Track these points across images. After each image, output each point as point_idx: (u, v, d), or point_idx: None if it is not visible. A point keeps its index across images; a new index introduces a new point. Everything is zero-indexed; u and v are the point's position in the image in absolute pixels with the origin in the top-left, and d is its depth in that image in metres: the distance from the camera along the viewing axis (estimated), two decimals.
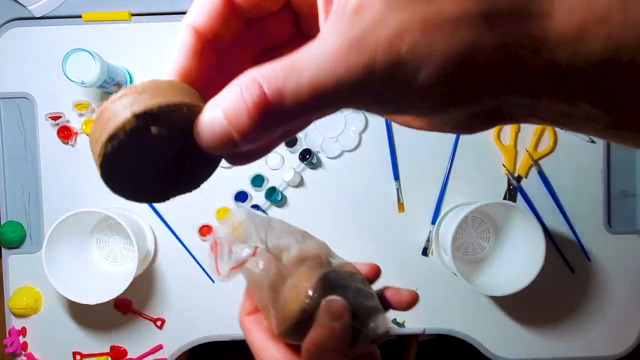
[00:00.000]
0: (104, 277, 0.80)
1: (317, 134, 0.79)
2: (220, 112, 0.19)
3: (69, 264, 0.76)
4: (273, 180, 0.80)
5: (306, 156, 0.79)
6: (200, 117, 0.20)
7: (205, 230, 0.80)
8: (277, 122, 0.18)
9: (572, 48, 0.16)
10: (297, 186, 0.81)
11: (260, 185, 0.80)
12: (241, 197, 0.80)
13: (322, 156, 0.80)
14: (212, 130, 0.19)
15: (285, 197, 0.81)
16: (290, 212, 0.81)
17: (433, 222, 0.80)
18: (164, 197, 0.23)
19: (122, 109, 0.19)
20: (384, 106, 0.19)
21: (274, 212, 0.81)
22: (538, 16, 0.16)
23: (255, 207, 0.80)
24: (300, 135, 0.79)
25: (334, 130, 0.79)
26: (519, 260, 0.75)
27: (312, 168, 0.80)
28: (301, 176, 0.80)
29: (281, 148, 0.80)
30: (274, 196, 0.79)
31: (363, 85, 0.17)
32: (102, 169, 0.21)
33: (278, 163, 0.80)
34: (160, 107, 0.19)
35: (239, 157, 0.24)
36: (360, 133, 0.80)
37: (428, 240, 0.81)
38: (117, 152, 0.20)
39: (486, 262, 0.80)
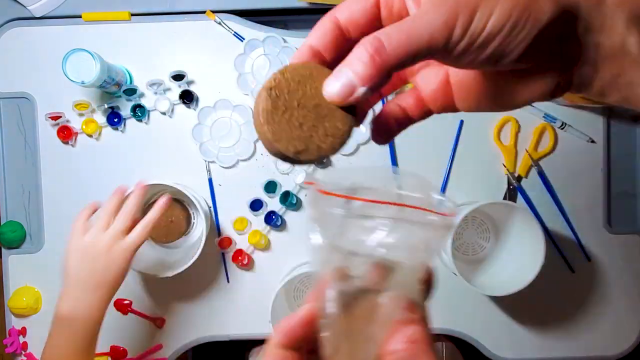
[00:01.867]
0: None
1: None
2: (345, 67, 0.26)
3: None
4: (286, 184, 0.80)
5: None
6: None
7: (225, 242, 0.80)
8: (390, 66, 0.25)
9: None
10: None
11: (274, 191, 0.79)
12: (256, 205, 0.80)
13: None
14: (335, 79, 0.26)
15: (300, 200, 0.81)
16: (306, 214, 0.81)
17: None
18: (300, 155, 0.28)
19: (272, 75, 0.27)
20: (465, 55, 0.25)
21: (290, 216, 0.81)
22: None
23: (272, 213, 0.80)
24: None
25: None
26: (519, 260, 0.75)
27: (322, 168, 0.80)
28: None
29: None
30: (289, 200, 0.79)
31: (449, 34, 0.24)
32: (266, 113, 0.27)
33: (288, 167, 0.80)
34: (293, 66, 0.28)
35: (378, 130, 0.34)
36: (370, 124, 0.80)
37: None
38: (273, 100, 0.27)
39: (486, 262, 0.80)
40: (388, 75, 0.25)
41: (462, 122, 0.80)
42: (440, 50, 0.25)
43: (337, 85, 0.26)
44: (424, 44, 0.24)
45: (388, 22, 0.28)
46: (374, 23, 0.29)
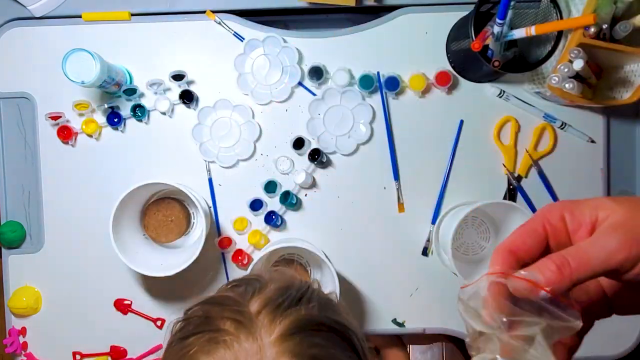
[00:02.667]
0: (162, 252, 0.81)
1: (328, 135, 0.79)
2: (534, 270, 0.31)
3: (133, 241, 0.76)
4: (286, 184, 0.80)
5: (315, 156, 0.79)
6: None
7: (225, 242, 0.80)
8: (572, 279, 0.31)
9: None
10: (309, 187, 0.81)
11: (274, 191, 0.79)
12: (256, 205, 0.80)
13: (331, 154, 0.81)
14: (520, 281, 0.31)
15: (300, 200, 0.81)
16: (306, 214, 0.81)
17: (433, 222, 0.80)
18: None
19: None
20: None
21: (290, 215, 0.81)
22: None
23: (272, 213, 0.80)
24: (310, 138, 0.79)
25: (345, 127, 0.79)
26: None
27: (322, 167, 0.80)
28: (313, 177, 0.80)
29: (289, 151, 0.80)
30: (289, 200, 0.79)
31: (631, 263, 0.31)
32: None
33: (288, 167, 0.80)
34: None
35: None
36: (371, 124, 0.80)
37: (428, 240, 0.80)
38: None
39: (486, 262, 0.80)
40: (569, 287, 0.31)
41: (462, 122, 0.80)
42: (614, 271, 0.31)
43: (522, 283, 0.32)
44: (600, 265, 0.31)
45: (556, 250, 0.34)
46: (543, 252, 0.34)
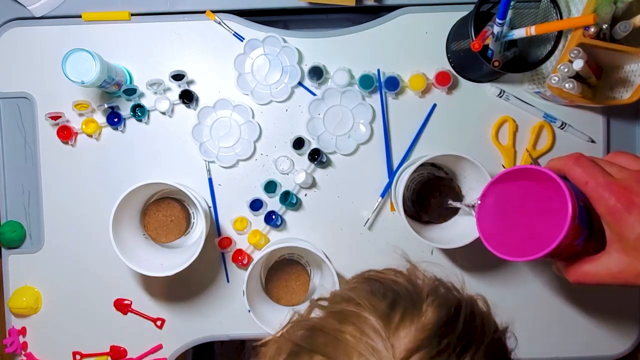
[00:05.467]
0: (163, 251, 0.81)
1: (328, 134, 0.79)
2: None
3: (133, 241, 0.76)
4: (286, 184, 0.80)
5: (315, 156, 0.79)
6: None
7: (225, 242, 0.80)
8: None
9: None
10: (309, 187, 0.81)
11: (274, 191, 0.79)
12: (256, 205, 0.80)
13: (331, 154, 0.81)
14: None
15: (300, 200, 0.81)
16: (306, 214, 0.81)
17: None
18: None
19: None
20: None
21: (290, 215, 0.81)
22: None
23: (272, 213, 0.80)
24: (310, 138, 0.79)
25: (345, 127, 0.79)
26: (472, 217, 0.74)
27: (322, 167, 0.80)
28: (313, 177, 0.80)
29: (289, 151, 0.80)
30: (289, 200, 0.79)
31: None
32: None
33: (288, 167, 0.80)
34: None
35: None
36: (371, 124, 0.80)
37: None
38: None
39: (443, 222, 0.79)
40: None
41: (432, 109, 0.80)
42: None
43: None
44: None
45: None
46: None
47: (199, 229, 0.81)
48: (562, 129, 0.79)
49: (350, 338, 0.34)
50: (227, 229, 0.81)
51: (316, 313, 0.40)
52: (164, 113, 0.80)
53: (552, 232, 0.46)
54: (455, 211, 0.78)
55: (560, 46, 0.70)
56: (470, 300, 0.38)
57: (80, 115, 0.80)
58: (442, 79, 0.77)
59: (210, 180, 0.81)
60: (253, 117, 0.80)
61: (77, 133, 0.80)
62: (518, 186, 0.53)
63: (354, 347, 0.33)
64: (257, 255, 0.76)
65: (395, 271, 0.42)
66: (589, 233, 0.47)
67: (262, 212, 0.80)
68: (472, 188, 0.76)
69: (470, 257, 0.81)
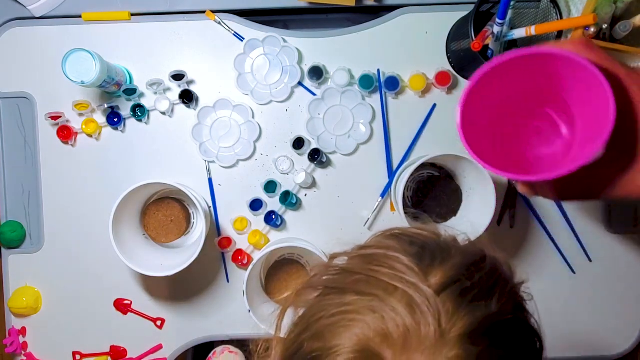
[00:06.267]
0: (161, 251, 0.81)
1: (328, 134, 0.79)
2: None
3: (133, 241, 0.76)
4: (285, 184, 0.80)
5: (315, 156, 0.79)
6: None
7: (225, 242, 0.80)
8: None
9: None
10: (309, 187, 0.81)
11: (274, 191, 0.79)
12: (256, 205, 0.80)
13: (331, 154, 0.80)
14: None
15: (300, 200, 0.81)
16: (306, 214, 0.81)
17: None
18: None
19: None
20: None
21: (290, 216, 0.81)
22: None
23: (271, 213, 0.80)
24: (310, 138, 0.79)
25: (345, 127, 0.79)
26: (472, 213, 0.74)
27: (322, 167, 0.80)
28: (313, 177, 0.80)
29: (289, 151, 0.80)
30: (289, 200, 0.79)
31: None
32: None
33: (288, 167, 0.80)
34: None
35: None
36: (371, 124, 0.80)
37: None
38: None
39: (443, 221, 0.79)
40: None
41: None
42: None
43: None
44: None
45: None
46: None
47: (199, 229, 0.81)
48: None
49: (383, 276, 0.34)
50: (227, 229, 0.81)
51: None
52: (164, 113, 0.80)
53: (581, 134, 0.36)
54: (455, 211, 0.78)
55: None
56: (494, 258, 0.39)
57: (80, 115, 0.80)
58: (442, 79, 0.77)
59: (210, 180, 0.81)
60: (253, 117, 0.80)
61: (77, 133, 0.80)
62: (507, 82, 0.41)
63: (389, 282, 0.34)
64: (257, 255, 0.76)
65: (417, 226, 0.42)
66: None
67: (262, 212, 0.80)
68: (472, 188, 0.76)
69: None
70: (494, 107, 0.42)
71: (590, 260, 0.82)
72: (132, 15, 0.80)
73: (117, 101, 0.79)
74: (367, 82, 0.78)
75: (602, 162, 0.35)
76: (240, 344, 0.88)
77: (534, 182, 0.39)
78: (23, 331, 0.82)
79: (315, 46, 0.79)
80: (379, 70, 0.79)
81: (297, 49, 0.78)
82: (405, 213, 0.71)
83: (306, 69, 0.79)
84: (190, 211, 0.81)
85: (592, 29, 0.67)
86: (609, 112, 0.32)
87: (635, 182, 0.35)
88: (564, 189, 0.40)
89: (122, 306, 0.82)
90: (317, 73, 0.78)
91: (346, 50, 0.79)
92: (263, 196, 0.80)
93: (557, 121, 0.40)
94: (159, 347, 0.82)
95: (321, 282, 0.39)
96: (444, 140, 0.80)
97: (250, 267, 0.71)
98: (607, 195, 0.38)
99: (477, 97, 0.41)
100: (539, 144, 0.41)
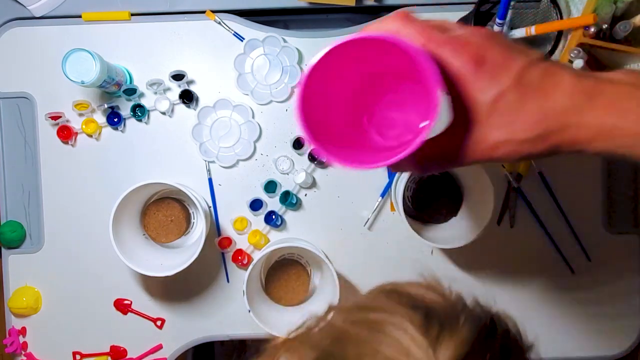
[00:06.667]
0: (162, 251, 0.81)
1: None
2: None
3: (133, 241, 0.76)
4: (285, 184, 0.80)
5: (315, 156, 0.79)
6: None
7: (225, 242, 0.80)
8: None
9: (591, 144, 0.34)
10: (309, 187, 0.81)
11: (274, 191, 0.79)
12: (256, 205, 0.80)
13: None
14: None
15: (300, 200, 0.81)
16: (306, 214, 0.81)
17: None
18: None
19: None
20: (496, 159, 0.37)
21: (290, 216, 0.81)
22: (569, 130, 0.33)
23: (271, 213, 0.80)
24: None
25: None
26: (472, 213, 0.74)
27: (322, 167, 0.80)
28: (313, 177, 0.80)
29: (289, 151, 0.80)
30: (289, 200, 0.79)
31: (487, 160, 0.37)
32: None
33: (288, 167, 0.80)
34: None
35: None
36: None
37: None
38: None
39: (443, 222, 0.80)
40: None
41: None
42: None
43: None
44: None
45: None
46: None
47: (199, 229, 0.81)
48: None
49: (387, 347, 0.32)
50: (227, 229, 0.81)
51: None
52: (164, 113, 0.80)
53: (415, 111, 0.37)
54: (455, 211, 0.78)
55: (560, 46, 0.70)
56: (499, 315, 0.37)
57: (80, 115, 0.80)
58: None
59: (210, 180, 0.81)
60: (253, 117, 0.80)
61: (77, 133, 0.80)
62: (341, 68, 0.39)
63: (395, 358, 0.31)
64: (257, 255, 0.76)
65: (419, 284, 0.39)
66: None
67: (262, 212, 0.80)
68: (472, 188, 0.76)
69: (470, 257, 0.81)
70: (351, 87, 0.40)
71: (589, 260, 0.82)
72: (132, 15, 0.80)
73: (117, 101, 0.79)
74: None
75: (446, 132, 0.35)
76: (240, 343, 0.88)
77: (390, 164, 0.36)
78: (23, 331, 0.82)
79: (315, 46, 0.79)
80: None
81: (297, 49, 0.78)
82: (405, 213, 0.71)
83: None
84: (190, 211, 0.81)
85: (592, 29, 0.67)
86: (434, 92, 0.32)
87: (479, 145, 0.35)
88: (422, 162, 0.39)
89: (122, 306, 0.82)
90: None
91: None
92: (263, 196, 0.80)
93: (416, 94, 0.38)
94: (159, 347, 0.82)
95: (317, 344, 0.36)
96: None
97: (250, 267, 0.71)
98: (464, 162, 0.37)
99: (324, 79, 0.38)
100: (404, 121, 0.39)
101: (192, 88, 0.80)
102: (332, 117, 0.39)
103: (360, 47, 0.35)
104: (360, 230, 0.81)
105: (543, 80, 0.34)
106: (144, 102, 0.80)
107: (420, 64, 0.32)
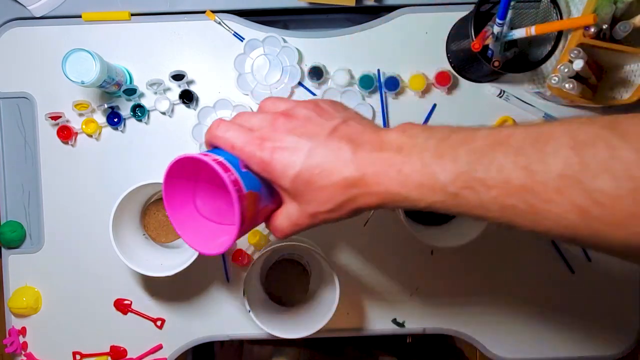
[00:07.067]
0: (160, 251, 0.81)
1: None
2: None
3: (133, 241, 0.76)
4: None
5: None
6: None
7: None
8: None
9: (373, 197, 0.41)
10: None
11: None
12: None
13: None
14: None
15: None
16: None
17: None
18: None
19: None
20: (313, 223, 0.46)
21: None
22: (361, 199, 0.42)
23: None
24: None
25: None
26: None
27: None
28: None
29: None
30: None
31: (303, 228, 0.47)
32: None
33: None
34: None
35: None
36: None
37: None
38: None
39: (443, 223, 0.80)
40: None
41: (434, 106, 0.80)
42: None
43: None
44: None
45: None
46: None
47: None
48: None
49: None
50: None
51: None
52: (164, 113, 0.80)
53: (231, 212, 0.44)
54: None
55: (560, 46, 0.70)
56: None
57: (80, 115, 0.80)
58: (442, 79, 0.77)
59: None
60: None
61: (77, 133, 0.80)
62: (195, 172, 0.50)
63: None
64: (257, 255, 0.76)
65: None
66: (270, 188, 0.45)
67: None
68: None
69: (470, 257, 0.81)
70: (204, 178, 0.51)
71: (589, 260, 0.82)
72: (132, 15, 0.80)
73: (117, 101, 0.79)
74: (367, 82, 0.78)
75: (277, 213, 0.47)
76: (239, 344, 0.88)
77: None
78: (23, 331, 0.82)
79: (315, 46, 0.80)
80: (379, 70, 0.79)
81: (297, 49, 0.78)
82: (405, 213, 0.71)
83: (306, 69, 0.79)
84: None
85: (592, 29, 0.67)
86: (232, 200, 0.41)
87: (300, 219, 0.45)
88: (271, 229, 0.49)
89: (122, 306, 0.82)
90: (317, 73, 0.78)
91: (346, 50, 0.79)
92: None
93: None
94: (159, 347, 0.82)
95: None
96: None
97: (250, 267, 0.71)
98: (288, 233, 0.47)
99: (181, 180, 0.51)
100: None
101: (192, 88, 0.80)
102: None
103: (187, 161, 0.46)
104: (360, 230, 0.81)
105: (326, 160, 0.41)
106: (144, 102, 0.80)
107: (221, 179, 0.41)
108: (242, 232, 0.45)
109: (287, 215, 0.46)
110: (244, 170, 0.44)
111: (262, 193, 0.45)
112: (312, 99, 0.49)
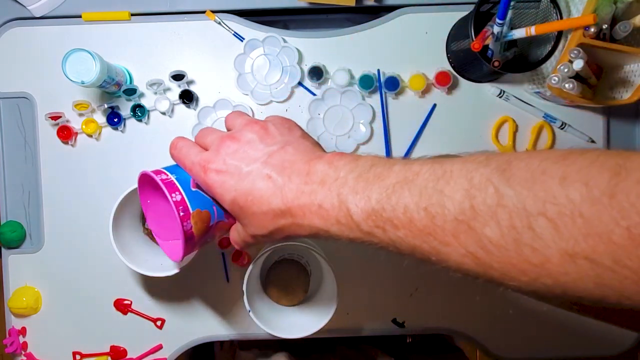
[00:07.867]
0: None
1: (328, 134, 0.79)
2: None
3: (133, 241, 0.76)
4: None
5: None
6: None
7: (225, 242, 0.80)
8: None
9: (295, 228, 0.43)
10: None
11: None
12: None
13: None
14: None
15: None
16: None
17: None
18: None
19: None
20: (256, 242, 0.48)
21: None
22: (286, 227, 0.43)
23: None
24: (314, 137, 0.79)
25: (345, 127, 0.79)
26: None
27: None
28: None
29: None
30: None
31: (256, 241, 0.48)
32: None
33: None
34: None
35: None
36: (371, 124, 0.80)
37: None
38: None
39: None
40: None
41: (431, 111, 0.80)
42: None
43: None
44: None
45: None
46: None
47: None
48: (562, 129, 0.79)
49: None
50: None
51: None
52: (164, 113, 0.80)
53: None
54: None
55: (560, 46, 0.70)
56: None
57: (80, 115, 0.80)
58: (442, 79, 0.77)
59: None
60: (253, 117, 0.80)
61: (77, 133, 0.80)
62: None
63: None
64: (257, 255, 0.76)
65: None
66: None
67: None
68: None
69: None
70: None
71: None
72: (132, 15, 0.80)
73: (117, 101, 0.79)
74: (367, 82, 0.78)
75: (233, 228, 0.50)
76: (240, 344, 0.88)
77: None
78: (23, 331, 0.82)
79: (315, 46, 0.80)
80: (379, 70, 0.79)
81: (297, 49, 0.78)
82: None
83: (306, 69, 0.79)
84: None
85: (592, 29, 0.67)
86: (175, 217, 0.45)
87: (247, 237, 0.47)
88: (230, 239, 0.51)
89: (122, 306, 0.82)
90: (317, 73, 0.78)
91: (346, 50, 0.79)
92: None
93: None
94: (159, 347, 0.82)
95: None
96: (444, 141, 0.80)
97: (250, 267, 0.71)
98: (242, 247, 0.50)
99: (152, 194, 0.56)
100: None
101: (192, 88, 0.80)
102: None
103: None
104: None
105: (257, 188, 0.42)
106: (144, 102, 0.80)
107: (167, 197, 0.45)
108: (193, 246, 0.48)
109: (237, 231, 0.49)
110: (194, 189, 0.46)
111: (215, 211, 0.47)
112: (270, 116, 0.51)
